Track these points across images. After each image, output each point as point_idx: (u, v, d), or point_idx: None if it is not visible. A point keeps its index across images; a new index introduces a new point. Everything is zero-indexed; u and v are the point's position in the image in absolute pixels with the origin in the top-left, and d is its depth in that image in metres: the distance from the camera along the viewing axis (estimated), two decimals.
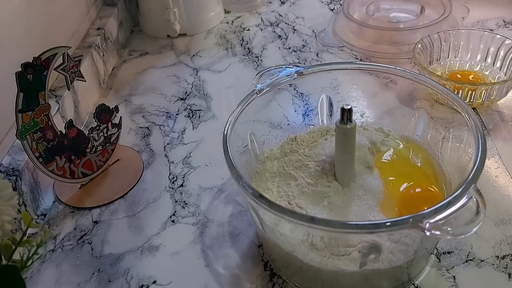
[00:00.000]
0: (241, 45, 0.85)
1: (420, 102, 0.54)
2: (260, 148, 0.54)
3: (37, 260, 0.38)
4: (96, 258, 0.51)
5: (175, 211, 0.56)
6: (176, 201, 0.57)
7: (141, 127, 0.69)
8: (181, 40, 0.88)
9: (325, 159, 0.50)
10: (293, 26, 0.90)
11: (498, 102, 0.66)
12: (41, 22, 0.66)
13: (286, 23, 0.91)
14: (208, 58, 0.83)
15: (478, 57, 0.71)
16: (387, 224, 0.37)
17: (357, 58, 0.79)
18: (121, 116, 0.62)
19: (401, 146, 0.54)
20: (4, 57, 0.56)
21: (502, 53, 0.68)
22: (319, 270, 0.43)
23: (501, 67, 0.69)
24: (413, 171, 0.51)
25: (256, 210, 0.43)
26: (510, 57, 0.67)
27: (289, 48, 0.83)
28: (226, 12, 0.96)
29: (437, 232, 0.36)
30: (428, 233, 0.36)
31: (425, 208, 0.37)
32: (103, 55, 0.79)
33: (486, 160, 0.41)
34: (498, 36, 0.69)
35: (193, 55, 0.84)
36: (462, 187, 0.38)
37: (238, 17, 0.94)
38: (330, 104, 0.57)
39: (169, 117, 0.70)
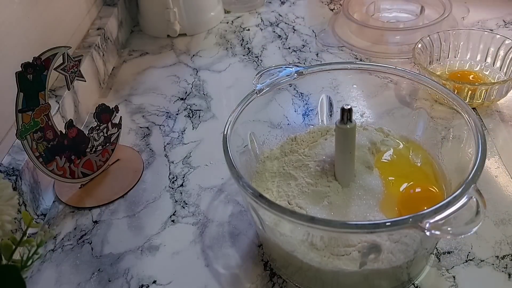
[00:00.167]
0: (241, 45, 0.85)
1: (420, 102, 0.54)
2: (260, 148, 0.54)
3: (37, 260, 0.38)
4: (96, 258, 0.51)
5: (175, 211, 0.56)
6: (176, 201, 0.57)
7: (141, 127, 0.69)
8: (181, 40, 0.88)
9: (325, 159, 0.50)
10: (293, 26, 0.90)
11: (498, 102, 0.66)
12: (41, 22, 0.66)
13: (286, 23, 0.91)
14: (208, 58, 0.83)
15: (478, 57, 0.71)
16: (387, 224, 0.37)
17: (357, 58, 0.79)
18: (121, 116, 0.62)
19: (401, 146, 0.54)
20: (4, 57, 0.56)
21: (502, 53, 0.68)
22: (319, 270, 0.43)
23: (501, 67, 0.69)
24: (413, 171, 0.51)
25: (256, 210, 0.43)
26: (510, 57, 0.67)
27: (289, 48, 0.83)
28: (226, 12, 0.96)
29: (437, 232, 0.36)
30: (428, 233, 0.36)
31: (425, 208, 0.37)
32: (103, 55, 0.79)
33: (486, 160, 0.41)
34: (498, 36, 0.69)
35: (193, 55, 0.84)
36: (462, 187, 0.38)
37: (238, 17, 0.94)
38: (330, 104, 0.57)
39: (169, 117, 0.70)
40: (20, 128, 0.50)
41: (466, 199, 0.37)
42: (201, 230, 0.53)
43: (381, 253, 0.41)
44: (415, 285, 0.46)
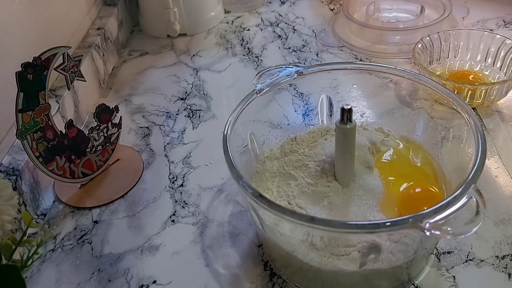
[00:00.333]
0: (241, 45, 0.85)
1: (420, 102, 0.54)
2: (260, 148, 0.54)
3: (37, 260, 0.38)
4: (96, 258, 0.51)
5: (175, 211, 0.56)
6: (176, 201, 0.57)
7: (141, 127, 0.69)
8: (181, 40, 0.88)
9: (325, 159, 0.50)
10: (293, 26, 0.90)
11: (498, 102, 0.66)
12: (41, 22, 0.66)
13: (286, 23, 0.91)
14: (208, 58, 0.83)
15: (478, 57, 0.71)
16: (387, 224, 0.37)
17: (357, 58, 0.79)
18: (121, 116, 0.62)
19: (401, 146, 0.54)
20: (4, 57, 0.56)
21: (502, 53, 0.68)
22: (319, 270, 0.43)
23: (501, 67, 0.69)
24: (413, 171, 0.51)
25: (256, 210, 0.43)
26: (510, 57, 0.67)
27: (289, 48, 0.83)
28: (226, 12, 0.96)
29: (437, 232, 0.36)
30: (428, 233, 0.36)
31: (425, 208, 0.37)
32: (103, 55, 0.79)
33: (486, 160, 0.41)
34: (498, 36, 0.69)
35: (193, 55, 0.84)
36: (462, 187, 0.38)
37: (238, 17, 0.94)
38: (330, 104, 0.57)
39: (169, 117, 0.70)
40: (20, 128, 0.50)
41: (466, 199, 0.37)
42: (201, 230, 0.53)
43: (381, 253, 0.41)
44: (415, 285, 0.46)
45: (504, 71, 0.68)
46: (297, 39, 0.86)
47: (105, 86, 0.78)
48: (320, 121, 0.57)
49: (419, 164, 0.52)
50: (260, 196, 0.40)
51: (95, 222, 0.55)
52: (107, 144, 0.61)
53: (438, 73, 0.69)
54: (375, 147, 0.52)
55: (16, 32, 0.60)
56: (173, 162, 0.63)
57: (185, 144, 0.65)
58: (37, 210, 0.56)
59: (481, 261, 0.48)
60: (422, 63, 0.67)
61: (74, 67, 0.54)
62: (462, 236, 0.36)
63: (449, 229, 0.36)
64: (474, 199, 0.37)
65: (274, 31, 0.89)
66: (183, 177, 0.60)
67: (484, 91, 0.63)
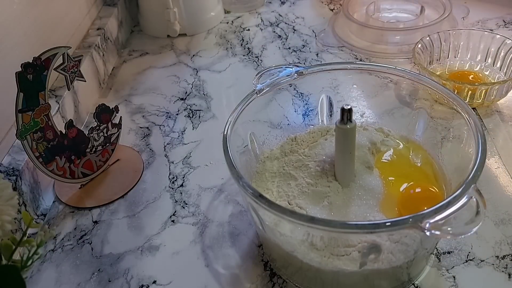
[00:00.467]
0: (241, 45, 0.85)
1: (420, 102, 0.54)
2: (260, 148, 0.54)
3: (37, 260, 0.38)
4: (96, 258, 0.51)
5: (175, 211, 0.56)
6: (176, 201, 0.57)
7: (141, 127, 0.69)
8: (181, 40, 0.88)
9: (325, 159, 0.50)
10: (293, 26, 0.90)
11: (498, 102, 0.66)
12: (41, 22, 0.66)
13: (286, 23, 0.91)
14: (208, 58, 0.83)
15: (478, 57, 0.71)
16: (387, 224, 0.37)
17: (357, 58, 0.79)
18: (121, 116, 0.62)
19: (401, 146, 0.54)
20: (4, 57, 0.56)
21: (502, 53, 0.68)
22: (319, 270, 0.43)
23: (501, 67, 0.69)
24: (413, 171, 0.51)
25: (256, 210, 0.43)
26: (510, 57, 0.67)
27: (289, 48, 0.83)
28: (226, 12, 0.96)
29: (437, 232, 0.36)
30: (428, 233, 0.36)
31: (425, 208, 0.37)
32: (103, 55, 0.79)
33: (486, 160, 0.41)
34: (498, 36, 0.69)
35: (193, 55, 0.84)
36: (462, 187, 0.38)
37: (238, 17, 0.94)
38: (330, 104, 0.57)
39: (169, 117, 0.70)
40: (20, 128, 0.50)
41: (466, 199, 0.37)
42: (201, 230, 0.53)
43: (381, 253, 0.41)
44: (415, 285, 0.46)
45: (504, 71, 0.68)
46: (297, 39, 0.86)
47: (105, 86, 0.78)
48: (320, 121, 0.57)
49: (419, 164, 0.52)
50: (260, 196, 0.40)
51: (95, 222, 0.55)
52: (107, 144, 0.61)
53: (438, 73, 0.69)
54: (375, 147, 0.52)
55: (16, 32, 0.60)
56: (173, 162, 0.63)
57: (185, 144, 0.65)
58: (37, 210, 0.56)
59: (481, 261, 0.48)
60: (422, 63, 0.67)
61: (74, 67, 0.54)
62: (462, 236, 0.36)
63: (449, 229, 0.36)
64: (474, 199, 0.37)
65: (274, 31, 0.89)
66: (183, 177, 0.60)
67: (484, 91, 0.63)
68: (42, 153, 0.53)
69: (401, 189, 0.48)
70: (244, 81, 0.76)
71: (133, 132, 0.68)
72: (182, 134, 0.67)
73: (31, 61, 0.49)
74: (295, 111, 0.58)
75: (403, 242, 0.41)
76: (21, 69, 0.49)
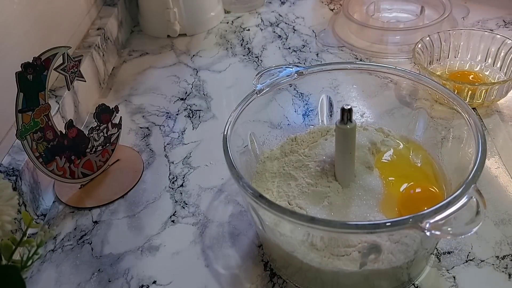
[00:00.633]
0: (241, 45, 0.85)
1: (420, 102, 0.54)
2: (260, 148, 0.54)
3: (37, 260, 0.38)
4: (96, 258, 0.51)
5: (175, 211, 0.56)
6: (176, 201, 0.57)
7: (141, 127, 0.69)
8: (181, 40, 0.88)
9: (325, 159, 0.50)
10: (293, 26, 0.90)
11: (498, 102, 0.66)
12: (41, 22, 0.66)
13: (286, 23, 0.91)
14: (208, 58, 0.83)
15: (478, 57, 0.71)
16: (387, 224, 0.37)
17: (357, 58, 0.79)
18: (121, 116, 0.62)
19: (401, 146, 0.54)
20: (4, 57, 0.56)
21: (502, 53, 0.68)
22: (319, 271, 0.43)
23: (501, 67, 0.69)
24: (413, 171, 0.51)
25: (256, 210, 0.43)
26: (510, 57, 0.67)
27: (289, 48, 0.83)
28: (226, 12, 0.96)
29: (437, 232, 0.36)
30: (428, 233, 0.36)
31: (425, 208, 0.37)
32: (103, 55, 0.79)
33: (486, 160, 0.41)
34: (498, 36, 0.69)
35: (193, 55, 0.84)
36: (462, 187, 0.38)
37: (238, 17, 0.94)
38: (330, 104, 0.57)
39: (169, 117, 0.70)
40: (20, 128, 0.50)
41: (466, 199, 0.37)
42: (201, 231, 0.53)
43: (381, 254, 0.41)
44: (415, 285, 0.46)
45: (504, 71, 0.68)
46: (297, 39, 0.86)
47: (105, 86, 0.78)
48: (320, 121, 0.57)
49: (419, 164, 0.52)
50: (260, 196, 0.40)
51: (95, 222, 0.55)
52: (107, 144, 0.61)
53: (438, 73, 0.69)
54: (375, 147, 0.52)
55: (16, 32, 0.60)
56: (173, 163, 0.62)
57: (185, 144, 0.65)
58: (37, 211, 0.56)
59: (481, 261, 0.48)
60: (422, 63, 0.67)
61: (74, 67, 0.54)
62: (462, 236, 0.36)
63: (449, 229, 0.36)
64: (474, 199, 0.37)
65: (274, 31, 0.89)
66: (183, 177, 0.60)
67: (484, 91, 0.63)
68: (42, 153, 0.53)
69: (401, 189, 0.48)
70: (244, 81, 0.76)
71: (133, 132, 0.68)
72: (182, 134, 0.67)
73: (31, 61, 0.49)
74: (295, 111, 0.58)
75: (403, 242, 0.41)
76: (21, 69, 0.49)
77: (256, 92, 0.51)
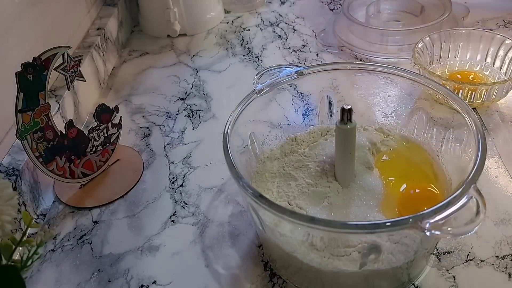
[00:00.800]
0: (241, 45, 0.85)
1: (420, 102, 0.54)
2: (260, 148, 0.54)
3: (37, 260, 0.38)
4: (96, 258, 0.51)
5: (175, 211, 0.56)
6: (176, 201, 0.57)
7: (141, 127, 0.69)
8: (181, 40, 0.88)
9: (325, 160, 0.50)
10: (293, 26, 0.90)
11: (498, 102, 0.66)
12: (41, 22, 0.66)
13: (286, 23, 0.91)
14: (208, 58, 0.83)
15: (478, 57, 0.71)
16: (387, 224, 0.37)
17: (357, 58, 0.79)
18: (121, 116, 0.62)
19: (401, 146, 0.54)
20: (4, 57, 0.56)
21: (502, 53, 0.68)
22: (319, 271, 0.43)
23: (501, 67, 0.69)
24: (413, 171, 0.51)
25: (256, 210, 0.43)
26: (510, 57, 0.67)
27: (289, 48, 0.83)
28: (226, 12, 0.96)
29: (437, 232, 0.36)
30: (428, 233, 0.36)
31: (425, 208, 0.37)
32: (103, 55, 0.79)
33: (486, 160, 0.41)
34: (498, 36, 0.69)
35: (193, 55, 0.84)
36: (462, 187, 0.38)
37: (238, 17, 0.94)
38: (330, 104, 0.57)
39: (169, 117, 0.70)
40: (20, 128, 0.50)
41: (466, 199, 0.37)
42: (201, 230, 0.53)
43: (381, 254, 0.41)
44: (415, 285, 0.46)
45: (504, 71, 0.68)
46: (297, 39, 0.86)
47: (105, 86, 0.78)
48: (320, 121, 0.57)
49: (419, 164, 0.52)
50: (260, 196, 0.40)
51: (95, 222, 0.55)
52: (107, 144, 0.61)
53: (438, 73, 0.69)
54: (375, 147, 0.52)
55: (16, 32, 0.60)
56: (173, 162, 0.62)
57: (185, 144, 0.65)
58: (37, 210, 0.56)
59: (481, 261, 0.48)
60: (422, 63, 0.67)
61: (74, 67, 0.54)
62: (462, 236, 0.36)
63: (449, 229, 0.36)
64: (474, 199, 0.37)
65: (274, 31, 0.89)
66: (183, 177, 0.60)
67: (484, 91, 0.63)
68: (42, 153, 0.53)
69: (401, 189, 0.48)
70: (244, 81, 0.76)
71: (133, 132, 0.68)
72: (182, 134, 0.67)
73: (31, 61, 0.49)
74: (295, 111, 0.58)
75: (403, 243, 0.41)
76: (21, 69, 0.49)
77: (256, 92, 0.51)
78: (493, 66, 0.70)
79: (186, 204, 0.57)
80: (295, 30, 0.88)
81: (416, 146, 0.53)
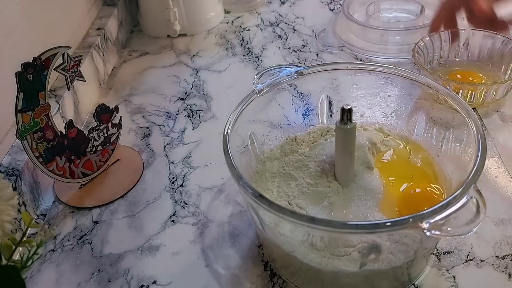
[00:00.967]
0: (241, 45, 0.85)
1: (420, 102, 0.54)
2: (260, 148, 0.54)
3: (37, 260, 0.38)
4: (96, 258, 0.51)
5: (175, 211, 0.56)
6: (176, 201, 0.57)
7: (141, 127, 0.69)
8: (181, 40, 0.88)
9: (325, 159, 0.50)
10: (293, 26, 0.90)
11: (498, 102, 0.66)
12: (41, 22, 0.66)
13: (286, 23, 0.91)
14: (208, 58, 0.83)
15: (478, 57, 0.71)
16: (387, 224, 0.37)
17: (357, 58, 0.79)
18: (121, 116, 0.62)
19: (401, 146, 0.54)
20: (4, 57, 0.56)
21: (502, 53, 0.68)
22: (319, 271, 0.43)
23: (501, 67, 0.69)
24: (413, 171, 0.51)
25: (256, 210, 0.43)
26: (510, 57, 0.67)
27: (289, 48, 0.83)
28: (226, 12, 0.96)
29: (437, 232, 0.36)
30: (428, 233, 0.36)
31: (425, 208, 0.37)
32: (103, 55, 0.79)
33: (486, 160, 0.41)
34: (498, 36, 0.69)
35: (193, 55, 0.84)
36: (462, 187, 0.38)
37: (238, 17, 0.94)
38: (330, 104, 0.57)
39: (169, 117, 0.70)
40: (20, 128, 0.50)
41: (466, 199, 0.37)
42: (201, 230, 0.53)
43: (381, 254, 0.41)
44: (415, 285, 0.46)
45: (504, 71, 0.68)
46: (297, 39, 0.86)
47: (105, 86, 0.78)
48: (320, 121, 0.57)
49: (419, 164, 0.52)
50: (260, 196, 0.40)
51: (95, 222, 0.55)
52: (107, 144, 0.61)
53: (438, 73, 0.69)
54: (375, 147, 0.52)
55: (16, 32, 0.60)
56: (173, 162, 0.63)
57: (185, 144, 0.65)
58: (37, 210, 0.56)
59: (481, 261, 0.48)
60: (422, 63, 0.67)
61: (74, 67, 0.54)
62: (462, 236, 0.36)
63: (449, 229, 0.36)
64: (474, 199, 0.37)
65: (274, 31, 0.89)
66: (183, 177, 0.60)
67: (484, 91, 0.63)
68: (42, 153, 0.53)
69: (401, 189, 0.48)
70: (244, 81, 0.76)
71: (133, 132, 0.68)
72: (182, 134, 0.67)
73: (31, 61, 0.49)
74: (295, 111, 0.58)
75: (403, 242, 0.41)
76: (21, 69, 0.49)
77: (256, 92, 0.51)
78: (493, 66, 0.70)
79: (186, 204, 0.57)
80: (295, 30, 0.88)
81: (416, 146, 0.53)
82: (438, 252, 0.49)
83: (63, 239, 0.54)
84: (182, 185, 0.59)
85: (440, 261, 0.48)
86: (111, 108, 0.60)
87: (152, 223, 0.55)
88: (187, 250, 0.51)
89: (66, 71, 0.53)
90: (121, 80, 0.79)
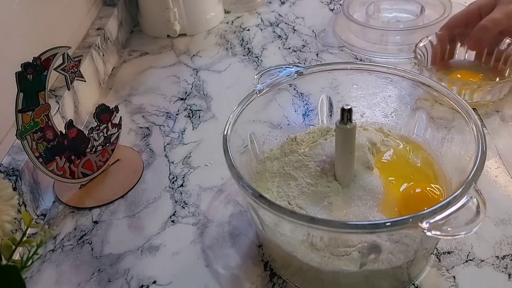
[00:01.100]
0: (241, 45, 0.85)
1: (420, 102, 0.54)
2: (260, 148, 0.54)
3: (37, 260, 0.38)
4: (96, 258, 0.51)
5: (175, 211, 0.56)
6: (176, 201, 0.57)
7: (141, 127, 0.69)
8: (181, 40, 0.88)
9: (325, 159, 0.50)
10: (293, 26, 0.90)
11: (498, 102, 0.66)
12: (41, 22, 0.66)
13: (286, 23, 0.91)
14: (208, 58, 0.83)
15: (478, 57, 0.71)
16: (387, 224, 0.37)
17: (357, 58, 0.79)
18: (121, 116, 0.62)
19: (401, 146, 0.54)
20: (4, 57, 0.56)
21: (501, 53, 0.68)
22: (319, 271, 0.43)
23: (501, 67, 0.69)
24: (413, 171, 0.51)
25: (256, 210, 0.43)
26: (510, 57, 0.67)
27: (289, 48, 0.83)
28: (226, 12, 0.96)
29: (437, 232, 0.36)
30: (428, 233, 0.36)
31: (425, 208, 0.37)
32: (103, 55, 0.79)
33: (486, 160, 0.41)
34: (498, 36, 0.69)
35: (193, 55, 0.84)
36: (462, 187, 0.38)
37: (238, 17, 0.94)
38: (330, 104, 0.57)
39: (169, 117, 0.70)
40: (20, 128, 0.50)
41: (466, 199, 0.37)
42: (201, 231, 0.53)
43: (381, 254, 0.41)
44: (415, 285, 0.46)
45: (504, 71, 0.68)
46: (297, 39, 0.86)
47: (105, 86, 0.78)
48: (320, 121, 0.57)
49: (419, 164, 0.52)
50: (260, 196, 0.40)
51: (95, 222, 0.55)
52: (107, 144, 0.61)
53: (438, 73, 0.69)
54: (375, 147, 0.52)
55: (16, 32, 0.60)
56: (173, 162, 0.63)
57: (185, 144, 0.65)
58: (37, 211, 0.56)
59: (481, 261, 0.48)
60: (422, 63, 0.67)
61: (74, 67, 0.54)
62: (462, 236, 0.36)
63: (449, 229, 0.36)
64: (474, 199, 0.37)
65: (274, 31, 0.89)
66: (183, 177, 0.60)
67: (484, 91, 0.63)
68: (42, 153, 0.53)
69: (401, 189, 0.48)
70: (244, 81, 0.76)
71: (133, 132, 0.68)
72: (182, 134, 0.67)
73: (31, 61, 0.49)
74: (295, 111, 0.58)
75: (403, 242, 0.41)
76: (21, 69, 0.49)
77: (256, 92, 0.51)
78: (493, 66, 0.70)
79: (186, 204, 0.57)
80: (295, 30, 0.88)
81: (416, 146, 0.53)
82: (438, 252, 0.49)
83: (63, 239, 0.54)
84: (182, 185, 0.59)
85: (440, 261, 0.48)
86: (111, 108, 0.60)
87: (152, 223, 0.55)
88: (187, 250, 0.51)
89: (66, 71, 0.53)
90: (121, 80, 0.79)
